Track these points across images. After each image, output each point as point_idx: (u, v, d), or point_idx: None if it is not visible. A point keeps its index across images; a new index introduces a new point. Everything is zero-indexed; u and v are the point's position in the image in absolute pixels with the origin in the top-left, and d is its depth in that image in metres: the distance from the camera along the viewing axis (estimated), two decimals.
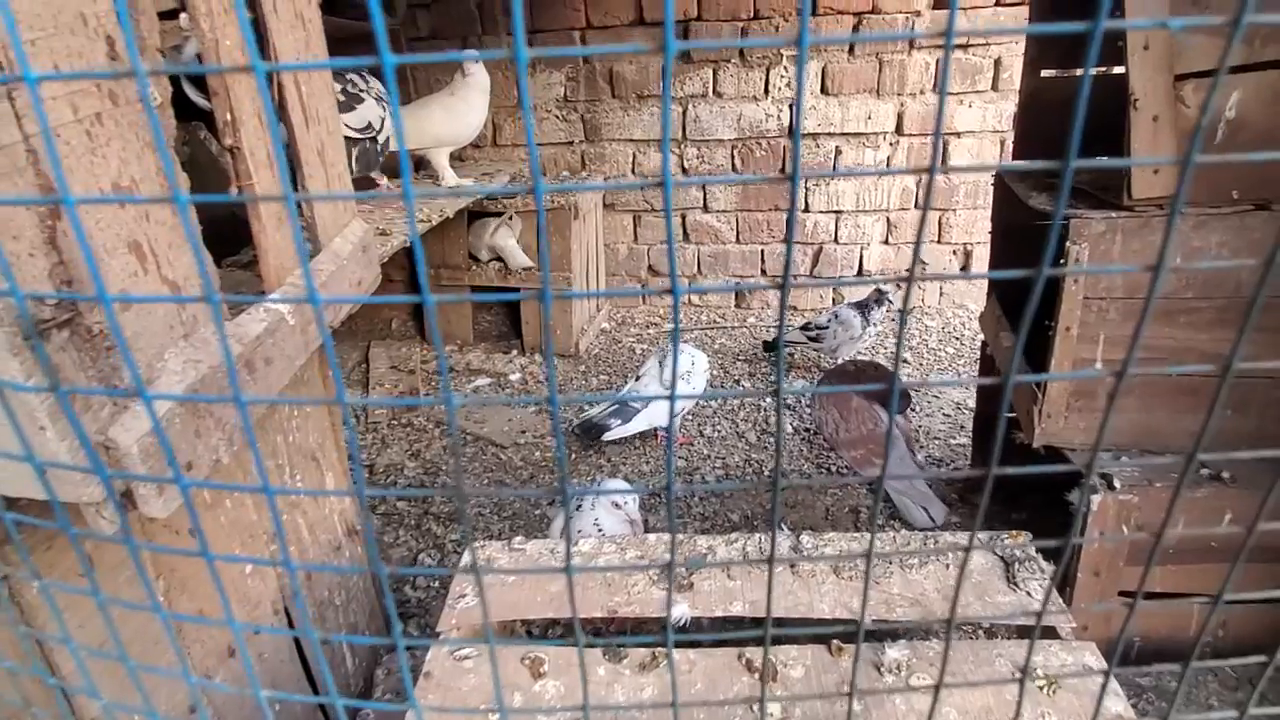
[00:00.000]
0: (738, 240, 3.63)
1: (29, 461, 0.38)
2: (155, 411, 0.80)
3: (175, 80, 1.30)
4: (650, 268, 3.78)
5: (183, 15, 1.23)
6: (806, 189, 3.51)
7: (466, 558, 1.46)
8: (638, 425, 2.49)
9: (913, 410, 2.76)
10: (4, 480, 0.74)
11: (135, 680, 0.41)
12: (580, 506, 1.76)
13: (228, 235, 1.47)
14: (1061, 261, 1.47)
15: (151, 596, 0.40)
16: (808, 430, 2.68)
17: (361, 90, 2.20)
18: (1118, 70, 1.44)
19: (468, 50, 3.23)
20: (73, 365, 0.80)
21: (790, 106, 3.36)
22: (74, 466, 0.61)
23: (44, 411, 0.74)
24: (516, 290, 3.32)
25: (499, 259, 3.24)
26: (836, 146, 3.39)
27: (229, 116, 1.09)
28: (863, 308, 2.94)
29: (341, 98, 2.11)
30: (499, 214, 3.17)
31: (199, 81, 1.46)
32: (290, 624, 1.36)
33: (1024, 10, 3.02)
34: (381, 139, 2.27)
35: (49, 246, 0.78)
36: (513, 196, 3.06)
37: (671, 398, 0.34)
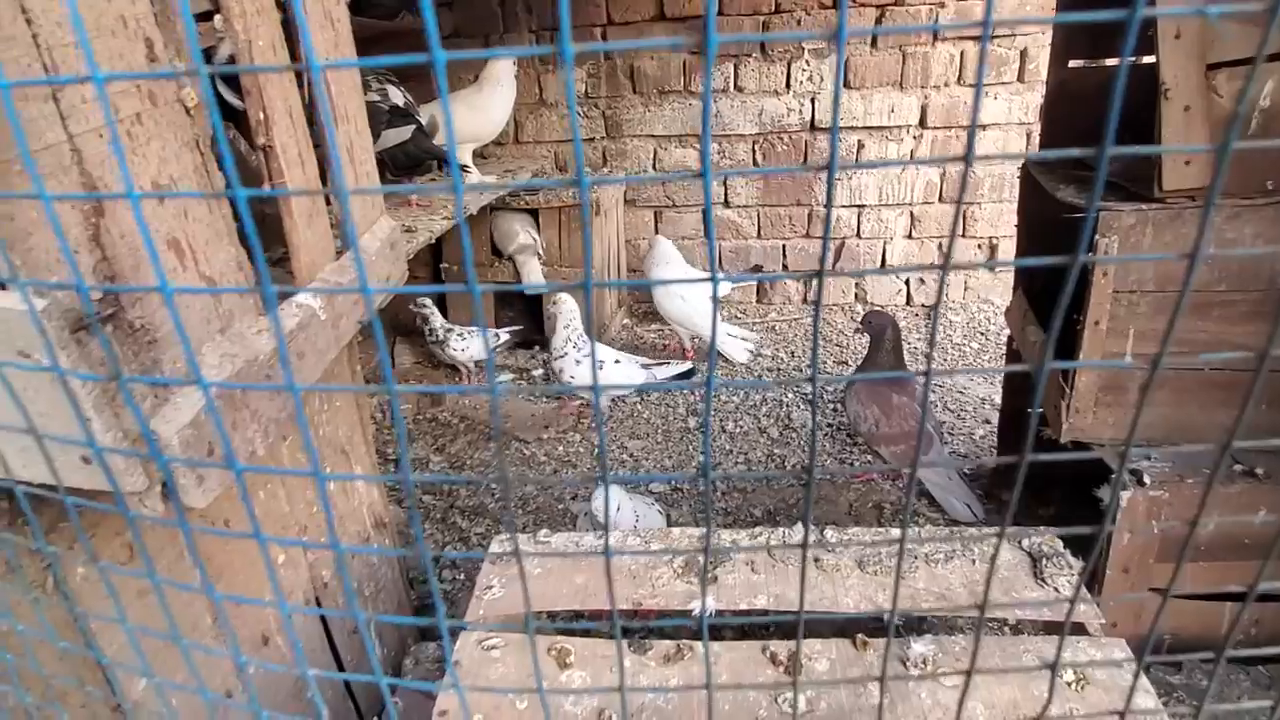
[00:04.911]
0: (759, 235, 3.62)
1: (90, 446, 0.40)
2: (194, 404, 0.82)
3: (210, 81, 1.33)
4: None
5: (217, 18, 1.26)
6: (828, 183, 3.49)
7: (494, 548, 1.47)
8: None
9: (933, 404, 2.74)
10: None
11: (187, 657, 0.43)
12: (620, 506, 1.78)
13: (258, 232, 1.50)
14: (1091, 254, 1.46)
15: (204, 577, 0.41)
16: (830, 425, 2.67)
17: (386, 92, 2.23)
18: (1148, 60, 1.42)
19: (498, 48, 3.25)
20: (115, 359, 0.82)
21: (812, 100, 3.34)
22: (127, 451, 0.63)
23: (89, 404, 0.77)
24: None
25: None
26: (859, 140, 3.37)
27: (262, 115, 1.11)
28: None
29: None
30: (518, 209, 3.18)
31: (232, 82, 1.48)
32: (323, 616, 1.38)
33: None
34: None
35: (93, 243, 0.80)
36: (535, 191, 3.08)
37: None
